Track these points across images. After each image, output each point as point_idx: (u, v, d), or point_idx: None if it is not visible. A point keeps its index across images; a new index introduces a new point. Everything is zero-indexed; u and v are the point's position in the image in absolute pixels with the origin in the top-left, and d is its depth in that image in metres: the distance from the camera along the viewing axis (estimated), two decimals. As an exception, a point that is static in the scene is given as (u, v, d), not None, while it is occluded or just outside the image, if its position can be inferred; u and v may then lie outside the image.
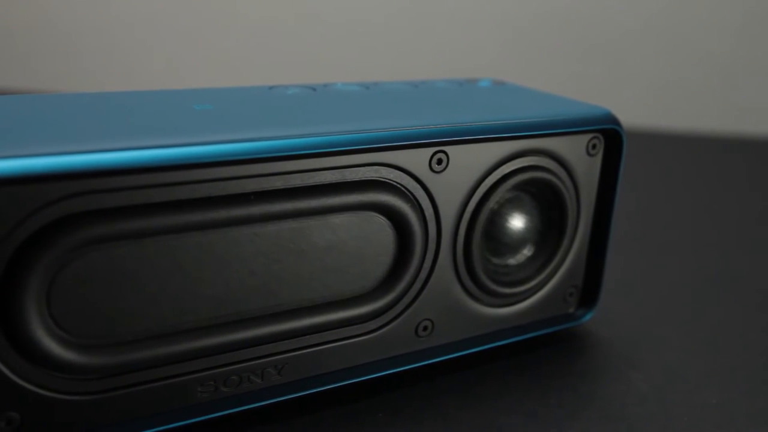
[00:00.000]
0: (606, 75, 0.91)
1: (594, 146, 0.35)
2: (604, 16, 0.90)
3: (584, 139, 0.34)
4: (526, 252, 0.35)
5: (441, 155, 0.30)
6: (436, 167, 0.30)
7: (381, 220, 0.30)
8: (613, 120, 0.34)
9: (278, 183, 0.27)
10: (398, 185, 0.30)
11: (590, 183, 0.35)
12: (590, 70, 0.91)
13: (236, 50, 0.96)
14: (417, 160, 0.30)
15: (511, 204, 0.34)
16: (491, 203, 0.32)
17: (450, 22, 0.93)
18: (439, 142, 0.30)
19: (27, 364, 0.24)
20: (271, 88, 0.34)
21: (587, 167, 0.35)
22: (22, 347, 0.24)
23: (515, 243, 0.35)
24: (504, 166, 0.32)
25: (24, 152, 0.23)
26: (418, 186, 0.30)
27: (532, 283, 0.35)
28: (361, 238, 0.30)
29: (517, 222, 0.34)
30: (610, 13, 0.90)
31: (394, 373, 0.32)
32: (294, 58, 0.95)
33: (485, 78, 0.40)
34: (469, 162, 0.31)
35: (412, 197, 0.30)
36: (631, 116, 0.33)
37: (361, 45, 0.94)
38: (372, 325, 0.31)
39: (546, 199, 0.35)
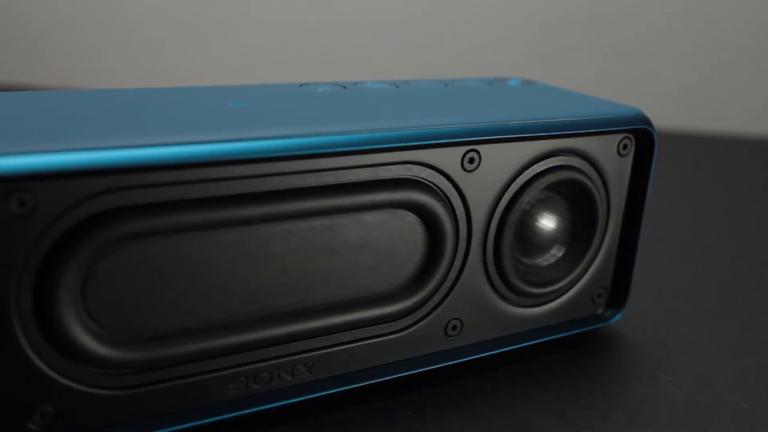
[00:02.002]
0: (630, 75, 0.90)
1: (625, 146, 0.34)
2: (628, 15, 0.89)
3: (615, 139, 0.34)
4: (556, 252, 0.35)
5: (473, 154, 0.30)
6: (468, 166, 0.30)
7: (412, 219, 0.30)
8: (644, 120, 0.34)
9: (311, 180, 0.27)
10: (430, 184, 0.30)
11: (620, 183, 0.35)
12: (614, 69, 0.90)
13: (258, 49, 0.97)
14: (449, 158, 0.30)
15: (542, 204, 0.34)
16: (522, 203, 0.32)
17: (473, 22, 0.93)
18: (471, 141, 0.30)
19: (61, 358, 0.25)
20: (301, 85, 0.34)
21: (618, 167, 0.35)
22: (57, 341, 0.24)
23: (545, 243, 0.35)
24: (535, 166, 0.32)
25: (62, 147, 0.23)
26: (450, 185, 0.30)
27: (561, 284, 0.35)
28: (393, 237, 0.30)
29: (547, 222, 0.34)
30: (635, 11, 0.89)
31: (423, 371, 0.32)
32: (317, 56, 0.95)
33: (514, 77, 0.40)
34: (501, 161, 0.31)
35: (443, 196, 0.30)
36: (654, 117, 0.33)
37: (384, 44, 0.94)
38: (402, 323, 0.31)
39: (576, 200, 0.34)
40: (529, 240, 0.34)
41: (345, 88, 0.34)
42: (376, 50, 0.94)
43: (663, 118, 0.35)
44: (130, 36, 0.98)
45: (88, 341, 0.25)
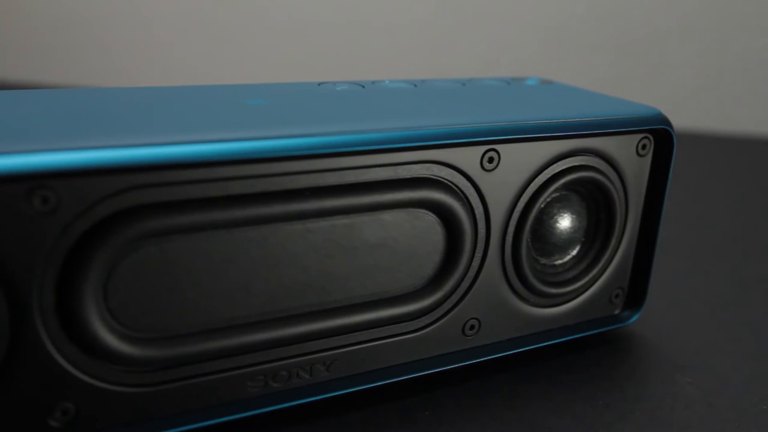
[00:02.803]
0: (643, 74, 0.90)
1: (644, 146, 0.34)
2: (641, 14, 0.89)
3: (634, 139, 0.34)
4: (574, 252, 0.35)
5: (492, 153, 0.30)
6: (487, 165, 0.30)
7: (431, 218, 0.30)
8: (663, 120, 0.34)
9: (332, 179, 0.27)
10: (450, 183, 0.30)
11: (639, 184, 0.35)
12: (627, 69, 0.90)
13: (269, 49, 0.97)
14: (469, 158, 0.30)
15: (560, 204, 0.34)
16: (541, 203, 0.32)
17: (487, 21, 0.92)
18: (491, 140, 0.30)
19: (83, 355, 0.25)
20: (319, 84, 0.34)
21: (637, 168, 0.35)
22: (79, 339, 0.24)
23: (563, 243, 0.34)
24: (554, 166, 0.32)
25: (85, 145, 0.23)
26: (469, 184, 0.30)
27: (579, 284, 0.35)
28: (412, 236, 0.30)
29: (565, 222, 0.34)
30: (649, 10, 0.89)
31: (441, 371, 0.32)
32: (330, 56, 0.96)
33: (532, 77, 0.40)
34: (520, 161, 0.31)
35: (462, 195, 0.30)
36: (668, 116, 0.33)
37: (396, 44, 0.94)
38: (420, 322, 0.31)
39: (595, 200, 0.34)
40: (547, 240, 0.34)
41: (363, 87, 0.34)
42: (389, 50, 0.94)
43: (677, 117, 0.35)
44: (143, 35, 0.98)
45: (109, 339, 0.25)
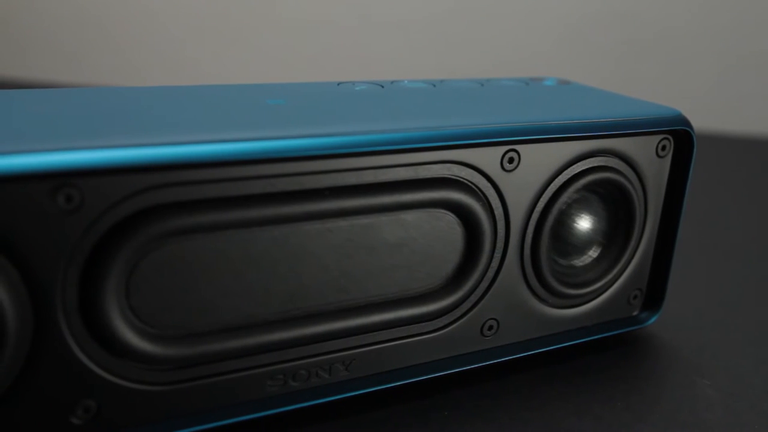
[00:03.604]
0: (658, 75, 0.90)
1: (664, 147, 0.34)
2: (656, 14, 0.89)
3: (654, 140, 0.34)
4: (592, 253, 0.35)
5: (513, 154, 0.30)
6: (507, 166, 0.30)
7: (451, 218, 0.30)
8: (684, 121, 0.34)
9: (352, 179, 0.27)
10: (469, 183, 0.30)
11: (658, 185, 0.35)
12: (641, 69, 0.90)
13: (282, 48, 0.97)
14: (489, 158, 0.30)
15: (579, 204, 0.34)
16: (560, 203, 0.32)
17: (502, 21, 0.92)
18: (511, 140, 0.30)
19: (104, 353, 0.25)
20: (338, 84, 0.34)
21: (656, 169, 0.34)
22: (101, 336, 0.24)
23: (582, 244, 0.34)
24: (574, 166, 0.32)
25: (109, 144, 0.23)
26: (489, 185, 0.30)
27: (597, 285, 0.35)
28: (431, 236, 0.29)
29: (584, 223, 0.34)
30: (664, 10, 0.89)
31: (459, 371, 0.32)
32: (344, 55, 0.96)
33: (550, 77, 0.40)
34: (540, 161, 0.31)
35: (482, 196, 0.30)
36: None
37: (410, 43, 0.94)
38: (439, 323, 0.31)
39: (614, 201, 0.34)
40: (565, 240, 0.34)
41: (382, 87, 0.34)
42: (400, 49, 0.94)
43: (694, 118, 0.34)
44: (155, 34, 0.99)
45: (131, 337, 0.25)
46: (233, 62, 0.98)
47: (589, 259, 0.35)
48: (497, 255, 0.31)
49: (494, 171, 0.30)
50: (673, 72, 0.90)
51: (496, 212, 0.31)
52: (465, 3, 0.92)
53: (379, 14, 0.94)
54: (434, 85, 0.35)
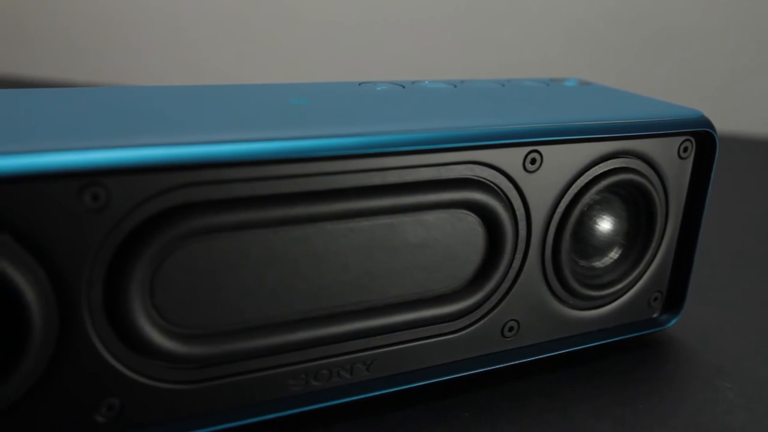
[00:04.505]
0: (677, 75, 0.89)
1: (686, 149, 0.34)
2: (674, 13, 0.88)
3: (676, 141, 0.34)
4: (613, 255, 0.35)
5: (535, 155, 0.30)
6: (529, 167, 0.30)
7: (473, 219, 0.30)
8: (706, 123, 0.34)
9: (376, 179, 0.27)
10: (492, 184, 0.29)
11: (680, 187, 0.35)
12: (659, 70, 0.89)
13: (297, 48, 0.97)
14: (511, 159, 0.30)
15: (601, 206, 0.34)
16: (582, 205, 0.32)
17: (517, 21, 0.92)
18: (534, 141, 0.30)
19: (128, 351, 0.25)
20: (360, 84, 0.34)
21: (678, 170, 0.34)
22: (125, 335, 0.25)
23: (603, 245, 0.34)
24: (596, 168, 0.32)
25: (135, 143, 0.23)
26: (511, 185, 0.30)
27: (618, 287, 0.35)
28: (453, 237, 0.29)
29: (605, 224, 0.34)
30: (681, 10, 0.88)
31: (480, 372, 0.31)
32: (360, 56, 0.96)
33: (570, 78, 0.40)
34: (562, 162, 0.31)
35: (504, 197, 0.30)
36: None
37: (425, 44, 0.94)
38: (459, 323, 0.31)
39: (635, 202, 0.34)
40: (586, 242, 0.34)
41: (403, 87, 0.34)
42: (412, 50, 0.94)
43: (715, 119, 0.34)
44: (170, 34, 0.99)
45: (155, 335, 0.25)
46: (249, 63, 0.98)
47: (610, 261, 0.35)
48: (518, 256, 0.31)
49: (516, 172, 0.30)
50: (689, 72, 0.89)
51: (517, 213, 0.30)
52: (478, 4, 0.92)
53: (393, 15, 0.94)
54: (455, 86, 0.35)
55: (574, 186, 0.32)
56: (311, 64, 0.97)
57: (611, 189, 0.33)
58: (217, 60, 0.99)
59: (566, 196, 0.32)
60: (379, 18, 0.95)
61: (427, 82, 0.36)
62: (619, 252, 0.35)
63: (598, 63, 0.90)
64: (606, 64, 0.90)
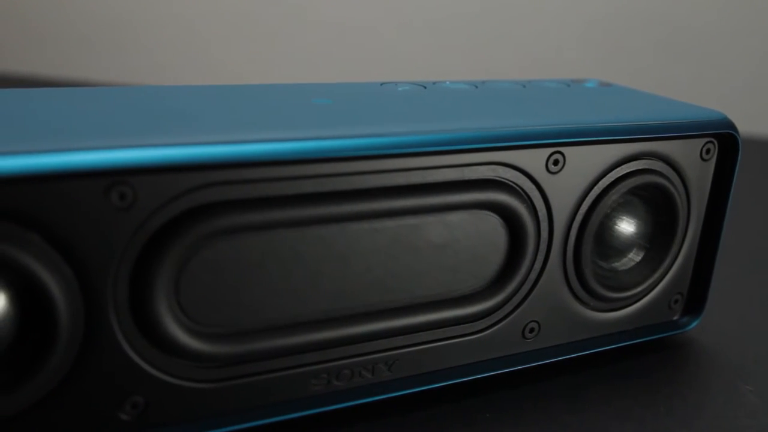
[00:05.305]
0: (698, 77, 0.89)
1: (708, 151, 0.34)
2: (691, 14, 0.88)
3: (699, 143, 0.34)
4: (634, 257, 0.34)
5: (558, 156, 0.30)
6: (552, 168, 0.30)
7: (495, 220, 0.30)
8: (729, 125, 0.34)
9: (400, 179, 0.27)
10: (514, 185, 0.29)
11: (702, 189, 0.35)
12: (679, 71, 0.89)
13: (313, 49, 0.97)
14: (534, 160, 0.30)
15: (622, 207, 0.33)
16: (603, 206, 0.32)
17: (534, 21, 0.92)
18: (557, 142, 0.30)
19: (153, 349, 0.25)
20: (381, 84, 0.34)
21: (700, 172, 0.34)
22: (150, 333, 0.25)
23: (624, 247, 0.34)
24: (618, 169, 0.32)
25: (162, 142, 0.23)
26: (534, 186, 0.30)
27: (638, 289, 0.34)
28: (475, 237, 0.29)
29: (627, 226, 0.34)
30: (702, 10, 0.88)
31: (501, 373, 0.31)
32: (377, 57, 0.96)
33: (591, 79, 0.40)
34: (585, 164, 0.31)
35: (527, 198, 0.30)
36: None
37: (438, 44, 0.94)
38: (481, 324, 0.31)
39: (657, 204, 0.34)
40: (607, 243, 0.34)
41: (425, 87, 0.34)
42: (434, 50, 0.94)
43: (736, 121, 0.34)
44: (185, 35, 0.99)
45: (179, 334, 0.25)
46: (264, 64, 0.99)
47: (631, 263, 0.34)
48: (540, 257, 0.31)
49: (539, 173, 0.30)
50: (709, 73, 0.89)
51: (540, 214, 0.30)
52: (493, 4, 0.92)
53: (408, 16, 0.94)
54: (476, 86, 0.35)
55: (596, 187, 0.32)
56: (327, 65, 0.97)
57: (633, 191, 0.33)
58: (232, 61, 0.99)
59: (588, 198, 0.32)
60: (394, 19, 0.95)
61: (448, 82, 0.36)
62: (641, 254, 0.35)
63: (616, 64, 0.90)
64: (624, 65, 0.89)
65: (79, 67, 1.01)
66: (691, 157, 0.34)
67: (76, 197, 0.22)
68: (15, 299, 0.23)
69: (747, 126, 0.82)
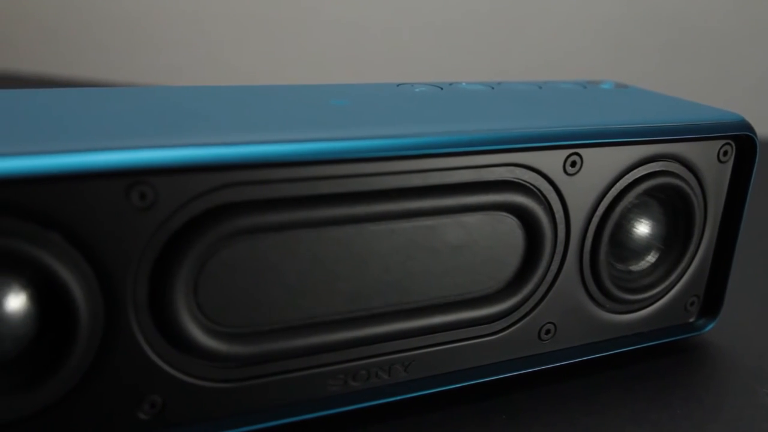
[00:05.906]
0: (714, 78, 0.89)
1: (725, 153, 0.34)
2: (710, 15, 0.88)
3: (716, 145, 0.34)
4: (650, 258, 0.34)
5: (575, 157, 0.30)
6: (569, 169, 0.30)
7: (512, 221, 0.30)
8: (747, 127, 0.34)
9: (417, 180, 0.27)
10: (532, 187, 0.29)
11: (719, 191, 0.35)
12: (695, 72, 0.89)
13: (325, 49, 0.97)
14: (551, 161, 0.29)
15: (639, 209, 0.33)
16: (621, 208, 0.32)
17: (548, 22, 0.92)
18: (575, 144, 0.30)
19: (172, 349, 0.25)
20: (398, 85, 0.34)
21: (717, 174, 0.34)
22: (169, 333, 0.25)
23: (640, 249, 0.34)
24: (635, 171, 0.32)
25: (183, 142, 0.23)
26: (551, 188, 0.30)
27: (655, 291, 0.34)
28: (492, 239, 0.29)
29: (643, 228, 0.34)
30: (719, 11, 0.88)
31: (517, 375, 0.31)
32: (386, 57, 0.96)
33: (607, 80, 0.40)
34: (602, 165, 0.31)
35: (544, 199, 0.30)
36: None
37: (451, 45, 0.94)
38: (497, 325, 0.31)
39: (673, 206, 0.34)
40: (624, 245, 0.34)
41: (441, 88, 0.34)
42: (447, 51, 0.94)
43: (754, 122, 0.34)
44: (201, 35, 1.00)
45: (198, 334, 0.25)
46: (278, 65, 0.99)
47: (647, 265, 0.34)
48: (557, 259, 0.31)
49: (557, 174, 0.30)
50: (725, 75, 0.89)
51: (557, 216, 0.30)
52: (506, 5, 0.92)
53: (421, 16, 0.94)
54: (492, 88, 0.35)
55: (613, 189, 0.31)
56: (340, 66, 0.97)
57: (650, 192, 0.33)
58: (246, 61, 0.99)
59: (605, 199, 0.31)
60: (408, 19, 0.95)
61: (464, 83, 0.36)
62: (657, 256, 0.34)
63: (630, 65, 0.89)
64: (638, 66, 0.89)
65: (93, 67, 1.02)
66: (709, 159, 0.34)
67: (97, 197, 0.22)
68: (35, 298, 0.23)
69: (762, 128, 0.82)
